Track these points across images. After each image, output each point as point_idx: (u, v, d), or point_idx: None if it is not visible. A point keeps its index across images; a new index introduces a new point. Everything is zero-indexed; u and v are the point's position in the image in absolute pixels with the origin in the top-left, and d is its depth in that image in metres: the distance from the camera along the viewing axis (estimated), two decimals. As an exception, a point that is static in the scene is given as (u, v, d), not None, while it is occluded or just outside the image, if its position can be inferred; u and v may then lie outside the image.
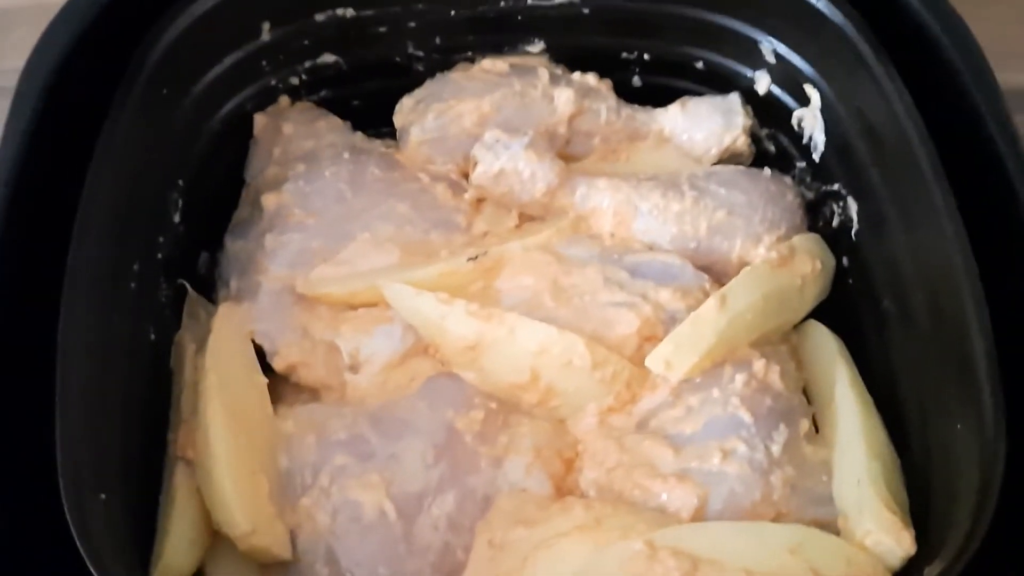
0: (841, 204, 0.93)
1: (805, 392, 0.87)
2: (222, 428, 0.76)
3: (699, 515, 0.76)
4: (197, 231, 0.91)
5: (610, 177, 0.93)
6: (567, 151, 0.98)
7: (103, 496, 0.67)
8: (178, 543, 0.73)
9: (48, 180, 0.75)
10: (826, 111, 0.93)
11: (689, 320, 0.82)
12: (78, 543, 0.60)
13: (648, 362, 0.82)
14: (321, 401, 0.86)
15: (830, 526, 0.76)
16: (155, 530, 0.74)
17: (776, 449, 0.79)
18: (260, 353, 0.85)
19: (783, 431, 0.80)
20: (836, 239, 0.94)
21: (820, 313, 0.92)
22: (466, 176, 0.94)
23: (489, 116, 0.95)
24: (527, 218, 0.95)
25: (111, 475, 0.69)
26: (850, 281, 0.92)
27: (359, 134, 0.98)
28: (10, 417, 0.69)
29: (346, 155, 0.93)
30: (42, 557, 0.66)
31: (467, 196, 0.94)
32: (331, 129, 0.97)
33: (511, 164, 0.91)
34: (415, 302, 0.83)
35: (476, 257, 0.87)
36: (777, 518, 0.76)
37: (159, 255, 0.85)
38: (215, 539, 0.76)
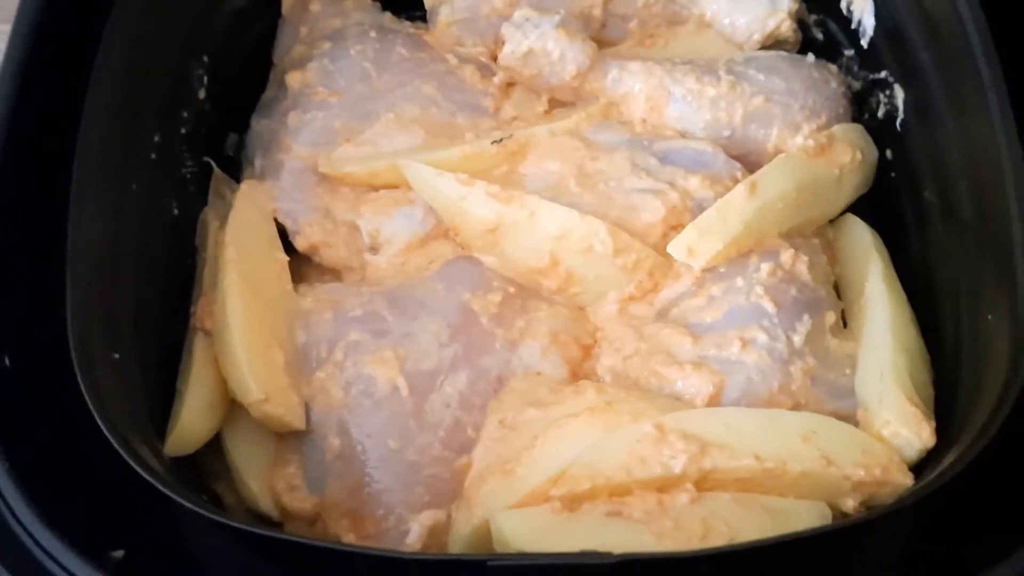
0: (888, 93, 0.89)
1: (837, 288, 0.84)
2: (238, 298, 0.76)
3: (714, 403, 0.74)
4: (224, 111, 0.91)
5: (644, 61, 0.90)
6: (602, 35, 0.95)
7: (116, 355, 0.68)
8: (194, 409, 0.74)
9: (64, 44, 0.75)
10: (878, -9, 0.88)
11: (716, 206, 0.79)
12: (84, 393, 0.62)
13: (670, 248, 0.79)
14: (343, 282, 0.86)
15: (850, 419, 0.74)
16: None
17: (798, 340, 0.76)
18: (283, 233, 0.85)
19: (807, 322, 0.77)
20: (881, 131, 0.90)
21: (860, 207, 0.89)
22: (496, 59, 0.92)
23: (521, -4, 0.92)
24: (557, 103, 0.92)
25: (124, 335, 0.70)
26: (892, 175, 0.88)
27: (388, 14, 0.97)
28: (29, 276, 0.70)
29: (373, 34, 0.92)
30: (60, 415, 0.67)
31: (496, 79, 0.91)
32: (359, 8, 0.95)
33: (540, 43, 0.88)
34: (435, 183, 0.82)
35: (501, 140, 0.85)
36: (795, 409, 0.74)
37: (182, 129, 0.85)
38: (233, 410, 0.77)
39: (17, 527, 0.61)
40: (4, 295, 0.68)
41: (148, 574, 0.64)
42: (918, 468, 0.70)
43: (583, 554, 0.59)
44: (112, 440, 0.62)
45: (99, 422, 0.62)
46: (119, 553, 0.63)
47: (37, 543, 0.60)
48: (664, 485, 0.68)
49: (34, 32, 0.73)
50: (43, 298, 0.66)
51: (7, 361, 0.66)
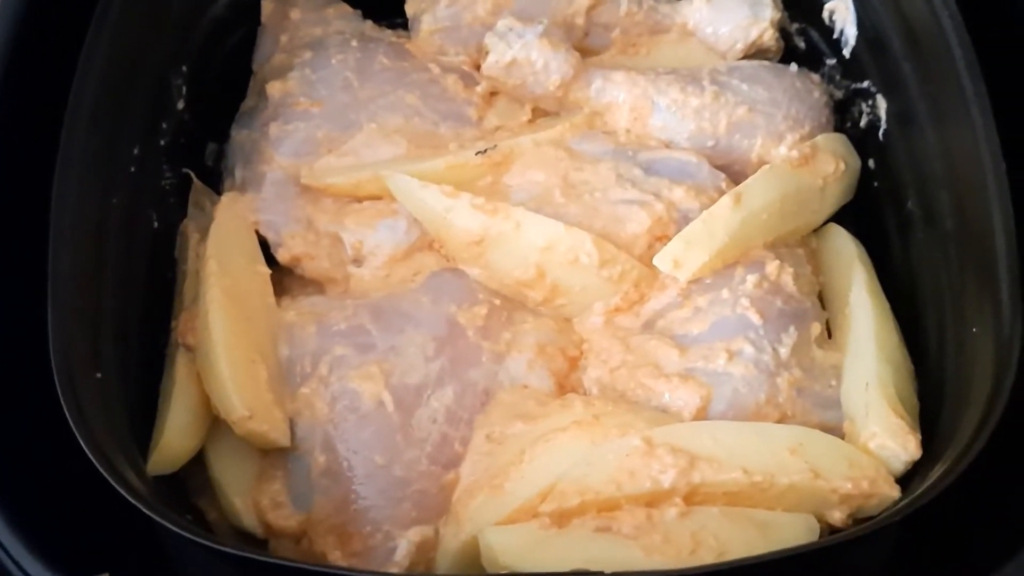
0: (870, 103, 0.89)
1: (821, 298, 0.84)
2: (221, 313, 0.75)
3: (701, 415, 0.74)
4: (204, 121, 0.90)
5: (627, 71, 0.90)
6: (585, 44, 0.94)
7: (99, 375, 0.67)
8: (177, 426, 0.73)
9: (44, 59, 0.74)
10: (860, 1, 0.88)
11: (701, 218, 0.79)
12: (68, 416, 0.61)
13: (657, 260, 0.79)
14: (326, 294, 0.85)
15: (836, 430, 0.74)
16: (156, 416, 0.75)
17: (784, 351, 0.77)
18: (265, 245, 0.84)
19: (792, 334, 0.78)
20: (863, 140, 0.90)
21: (843, 217, 0.89)
22: (479, 68, 0.91)
23: (504, 5, 0.92)
24: (541, 113, 0.92)
25: (107, 353, 0.69)
26: (875, 184, 0.89)
27: (369, 22, 0.96)
28: (9, 294, 0.69)
29: (354, 43, 0.91)
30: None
31: (479, 88, 0.91)
32: (340, 16, 0.94)
33: (524, 54, 0.88)
34: (420, 194, 0.82)
35: (485, 151, 0.85)
36: (781, 420, 0.74)
37: (161, 141, 0.83)
38: (216, 426, 0.76)
39: (-2, 551, 0.60)
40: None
41: (132, 596, 0.63)
42: (903, 480, 0.70)
43: (575, 573, 0.59)
44: (95, 462, 0.61)
45: (82, 443, 0.61)
46: (103, 576, 0.62)
47: (20, 567, 0.59)
48: (653, 499, 0.68)
49: (12, 43, 0.72)
50: (24, 316, 0.65)
51: (-14, 383, 0.65)
